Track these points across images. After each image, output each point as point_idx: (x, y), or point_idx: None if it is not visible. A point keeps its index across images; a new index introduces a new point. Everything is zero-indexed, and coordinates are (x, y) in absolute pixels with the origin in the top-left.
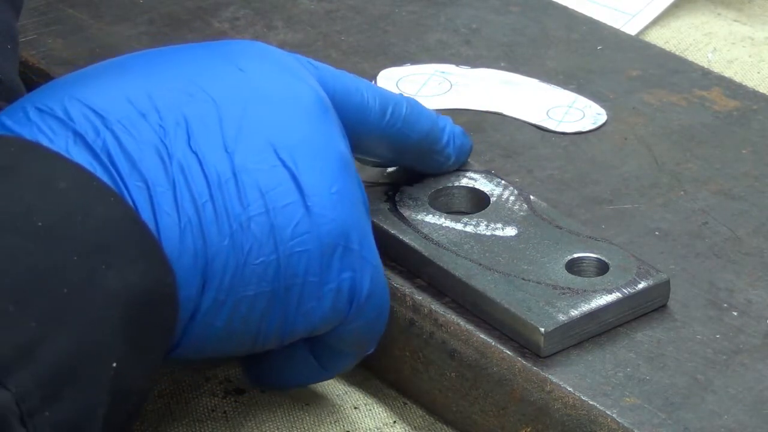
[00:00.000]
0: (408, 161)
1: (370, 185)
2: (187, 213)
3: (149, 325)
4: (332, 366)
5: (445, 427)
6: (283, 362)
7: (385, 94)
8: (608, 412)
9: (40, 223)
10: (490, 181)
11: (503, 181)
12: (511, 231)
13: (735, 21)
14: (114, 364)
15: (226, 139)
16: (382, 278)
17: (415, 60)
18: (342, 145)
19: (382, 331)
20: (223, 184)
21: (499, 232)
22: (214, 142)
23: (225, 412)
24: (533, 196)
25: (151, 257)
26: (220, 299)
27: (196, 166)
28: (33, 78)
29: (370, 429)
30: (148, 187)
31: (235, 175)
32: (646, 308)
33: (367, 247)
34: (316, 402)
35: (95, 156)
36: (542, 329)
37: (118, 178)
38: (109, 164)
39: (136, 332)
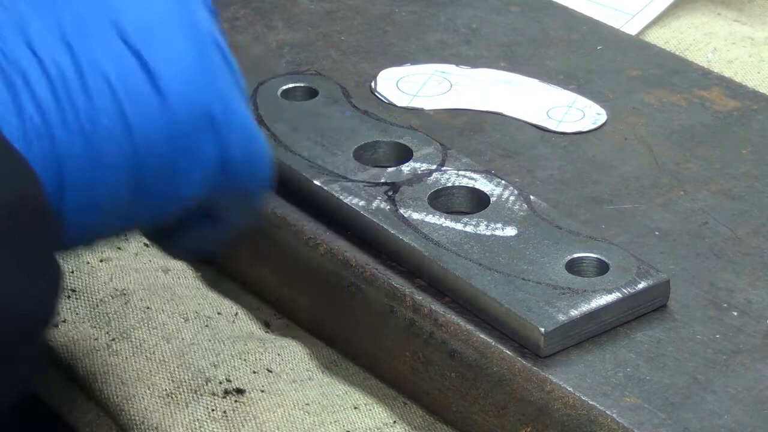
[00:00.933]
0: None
1: (370, 185)
2: (33, 120)
3: (25, 235)
4: (223, 222)
5: (445, 427)
6: (181, 231)
7: None
8: (608, 412)
9: None
10: (490, 181)
11: (503, 181)
12: (511, 231)
13: (735, 21)
14: None
15: (67, 30)
16: (256, 141)
17: (415, 60)
18: (195, 14)
19: (266, 187)
20: (68, 80)
21: (499, 232)
22: (54, 37)
23: (225, 412)
24: (533, 196)
25: (10, 165)
26: (82, 202)
27: (35, 66)
28: None
29: (370, 429)
30: None
31: (79, 69)
32: (646, 308)
33: (235, 116)
34: (316, 402)
35: None
36: (542, 329)
37: None
38: None
39: (11, 244)
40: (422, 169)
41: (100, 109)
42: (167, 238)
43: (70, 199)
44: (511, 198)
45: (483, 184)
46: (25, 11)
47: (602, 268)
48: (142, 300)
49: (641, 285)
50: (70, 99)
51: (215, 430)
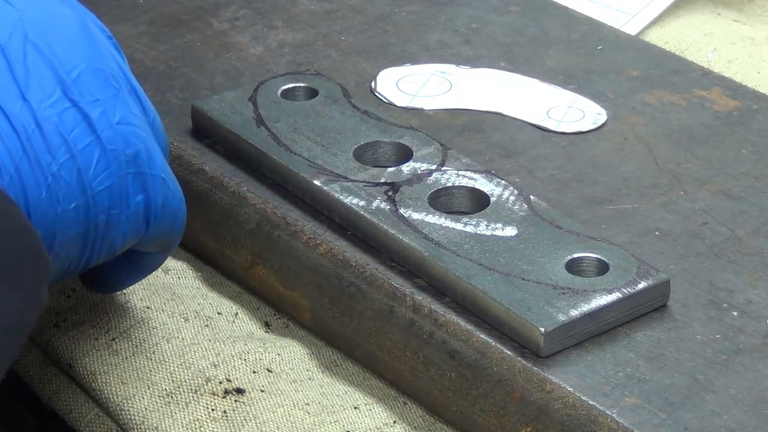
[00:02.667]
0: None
1: (370, 185)
2: (8, 170)
3: (15, 263)
4: (144, 266)
5: (445, 427)
6: (107, 270)
7: None
8: (608, 412)
9: None
10: (490, 181)
11: (503, 181)
12: (511, 231)
13: (735, 21)
14: None
15: (21, 86)
16: (173, 185)
17: (415, 60)
18: (112, 65)
19: (182, 228)
20: (31, 135)
21: (499, 232)
22: (12, 92)
23: (225, 412)
24: (533, 196)
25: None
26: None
27: (4, 121)
28: None
29: (370, 429)
30: None
31: (38, 124)
32: (646, 308)
33: (155, 164)
34: (316, 402)
35: None
36: (542, 329)
37: None
38: None
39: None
40: (422, 169)
41: (60, 162)
42: (93, 278)
43: None
44: (511, 198)
45: (483, 184)
46: None
47: (602, 268)
48: (142, 300)
49: (641, 285)
50: (35, 153)
51: (215, 430)
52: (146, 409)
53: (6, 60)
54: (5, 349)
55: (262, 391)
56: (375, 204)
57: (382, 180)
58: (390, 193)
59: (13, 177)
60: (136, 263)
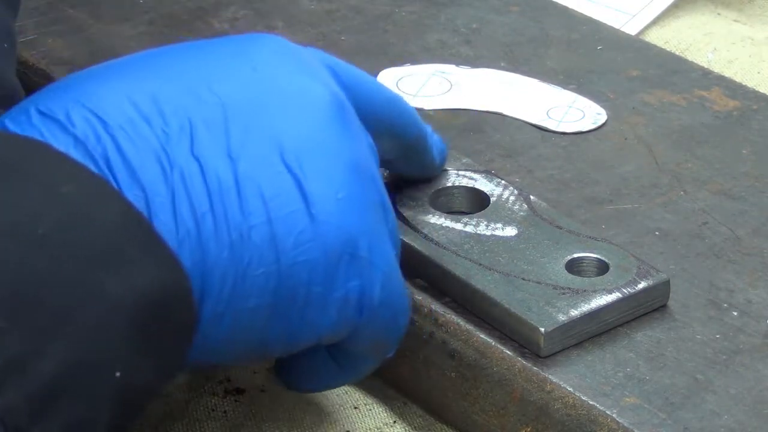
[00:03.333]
0: (397, 162)
1: None
2: (186, 224)
3: (161, 329)
4: (351, 369)
5: (445, 427)
6: (306, 365)
7: (390, 96)
8: (608, 412)
9: (40, 231)
10: (490, 181)
11: (503, 181)
12: (511, 231)
13: (735, 21)
14: (118, 374)
15: (232, 144)
16: (397, 283)
17: (415, 60)
18: (357, 148)
19: (400, 335)
20: (225, 192)
21: (499, 232)
22: (219, 148)
23: (225, 412)
24: (533, 196)
25: (158, 258)
26: (218, 311)
27: (197, 173)
28: (33, 78)
29: (370, 429)
30: (146, 197)
31: (237, 182)
32: (646, 308)
33: (378, 253)
34: (316, 402)
35: (95, 163)
36: (542, 329)
37: (117, 188)
38: (108, 172)
39: (147, 337)
40: None
41: (252, 224)
42: (289, 372)
43: (208, 309)
44: (511, 198)
45: (483, 184)
46: (194, 117)
47: (602, 268)
48: None
49: (641, 285)
50: (224, 210)
51: (215, 429)
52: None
53: (225, 118)
54: (133, 412)
55: (262, 390)
56: None
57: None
58: (390, 193)
59: (190, 232)
60: (341, 363)
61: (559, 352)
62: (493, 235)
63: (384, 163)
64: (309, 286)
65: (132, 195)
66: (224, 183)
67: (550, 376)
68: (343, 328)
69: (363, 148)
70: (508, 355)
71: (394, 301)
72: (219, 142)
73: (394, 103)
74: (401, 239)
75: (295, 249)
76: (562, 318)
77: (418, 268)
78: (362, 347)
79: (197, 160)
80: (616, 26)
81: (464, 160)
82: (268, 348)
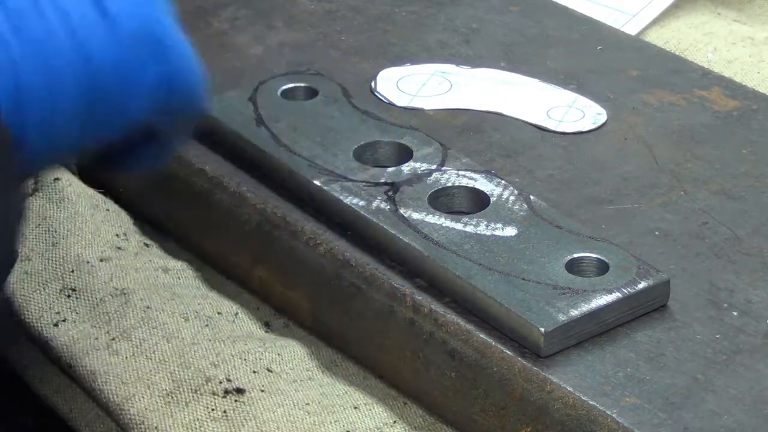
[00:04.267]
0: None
1: (370, 185)
2: None
3: None
4: (161, 146)
5: (445, 427)
6: (119, 149)
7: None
8: (608, 412)
9: None
10: (490, 181)
11: (503, 181)
12: (511, 231)
13: (735, 21)
14: None
15: None
16: (194, 61)
17: (415, 60)
18: None
19: (201, 103)
20: (24, 12)
21: (499, 232)
22: None
23: (225, 412)
24: (533, 196)
25: None
26: (41, 127)
27: None
28: None
29: (370, 429)
30: None
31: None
32: (646, 308)
33: (174, 36)
34: (316, 402)
35: None
36: (542, 329)
37: None
38: None
39: None
40: (422, 169)
41: (57, 38)
42: (110, 159)
43: (31, 126)
44: (511, 198)
45: (483, 184)
46: None
47: (602, 268)
48: (142, 300)
49: (641, 285)
50: (28, 30)
51: (215, 429)
52: (146, 409)
53: None
54: None
55: (262, 390)
56: (375, 204)
57: (382, 180)
58: (390, 193)
59: (1, 58)
60: (152, 142)
61: (559, 352)
62: (493, 235)
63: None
64: (118, 81)
65: None
66: (21, 2)
67: (550, 376)
68: (153, 112)
69: None
70: (508, 355)
71: (193, 77)
72: None
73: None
74: (401, 239)
75: (99, 51)
76: (562, 318)
77: (418, 268)
78: (170, 122)
79: None
80: (616, 26)
81: (464, 160)
82: (90, 142)
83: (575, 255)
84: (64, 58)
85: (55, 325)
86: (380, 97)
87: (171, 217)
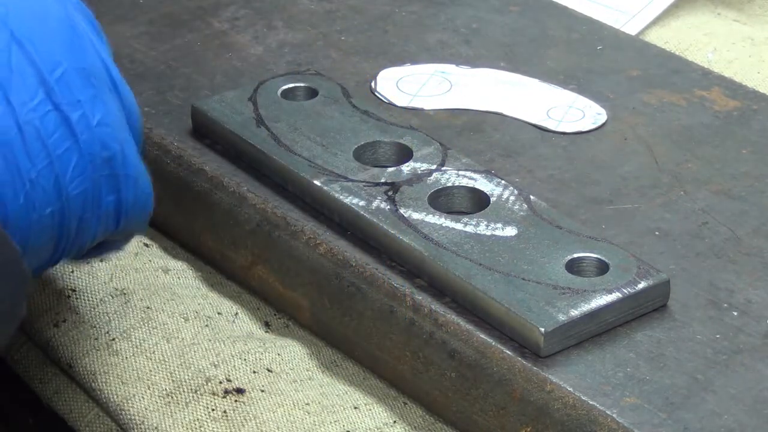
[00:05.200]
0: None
1: (370, 185)
2: None
3: None
4: (106, 251)
5: (445, 427)
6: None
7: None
8: (608, 412)
9: None
10: (490, 181)
11: (503, 181)
12: (511, 231)
13: (735, 21)
14: None
15: (4, 87)
16: (144, 181)
17: (415, 60)
18: (94, 59)
19: (147, 220)
20: (12, 141)
21: (499, 232)
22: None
23: (225, 412)
24: (533, 196)
25: None
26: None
27: None
28: None
29: (370, 429)
30: None
31: (20, 129)
32: (646, 308)
33: (129, 163)
34: (316, 402)
35: None
36: (542, 329)
37: None
38: None
39: None
40: (422, 169)
41: (39, 169)
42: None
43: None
44: (511, 198)
45: (483, 184)
46: None
47: (602, 268)
48: (142, 300)
49: (641, 285)
50: (15, 161)
51: (215, 429)
52: (146, 409)
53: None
54: None
55: (262, 391)
56: (375, 204)
57: (382, 180)
58: (390, 193)
59: None
60: (98, 249)
61: (559, 352)
62: (493, 235)
63: None
64: (83, 213)
65: None
66: (9, 131)
67: (550, 376)
68: (103, 236)
69: (102, 58)
70: (508, 355)
71: (142, 200)
72: None
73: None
74: (401, 239)
75: (71, 183)
76: (562, 318)
77: (418, 268)
78: (121, 236)
79: None
80: (616, 26)
81: (464, 160)
82: (41, 269)
83: (575, 255)
84: (42, 189)
85: (55, 325)
86: (380, 97)
87: (171, 217)
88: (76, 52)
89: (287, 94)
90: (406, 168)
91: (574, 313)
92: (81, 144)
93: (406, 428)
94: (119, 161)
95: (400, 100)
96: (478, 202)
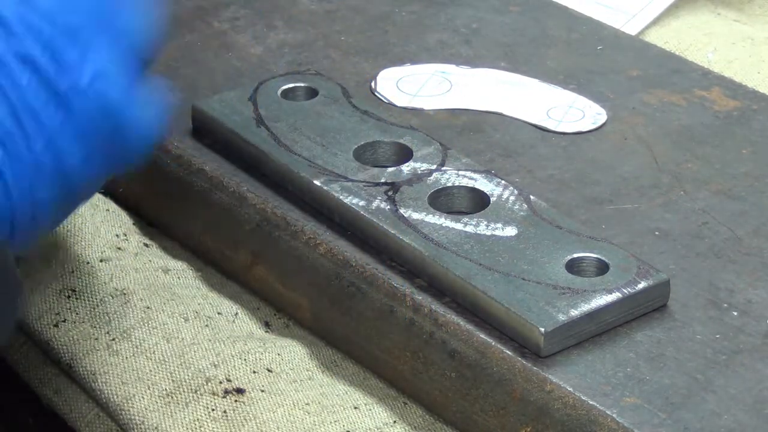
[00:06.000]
0: None
1: (370, 185)
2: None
3: None
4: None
5: (445, 427)
6: None
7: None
8: (608, 412)
9: None
10: (490, 181)
11: (503, 181)
12: (511, 231)
13: (735, 21)
14: None
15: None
16: (149, 111)
17: (415, 60)
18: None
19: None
20: (11, 129)
21: (499, 232)
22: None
23: (225, 412)
24: (533, 196)
25: None
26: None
27: (9, 114)
28: None
29: (370, 429)
30: None
31: (16, 115)
32: (646, 308)
33: (133, 101)
34: (316, 402)
35: None
36: (542, 329)
37: None
38: None
39: None
40: (422, 169)
41: (39, 154)
42: None
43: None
44: (511, 198)
45: (483, 184)
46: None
47: (602, 268)
48: (142, 300)
49: (641, 285)
50: (18, 154)
51: (215, 429)
52: (146, 409)
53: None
54: None
55: (262, 391)
56: (375, 204)
57: (382, 180)
58: (390, 193)
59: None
60: None
61: (559, 352)
62: (493, 235)
63: None
64: (88, 170)
65: None
66: (7, 120)
67: (550, 376)
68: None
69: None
70: (508, 355)
71: (149, 131)
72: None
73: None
74: (401, 239)
75: (72, 153)
76: (562, 318)
77: (418, 268)
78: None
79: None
80: (616, 26)
81: (464, 160)
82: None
83: (575, 255)
84: (45, 174)
85: (55, 325)
86: (380, 97)
87: (171, 217)
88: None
89: (287, 94)
90: (406, 168)
91: (574, 313)
92: (75, 112)
93: (406, 428)
94: (123, 106)
95: (400, 100)
96: (478, 202)
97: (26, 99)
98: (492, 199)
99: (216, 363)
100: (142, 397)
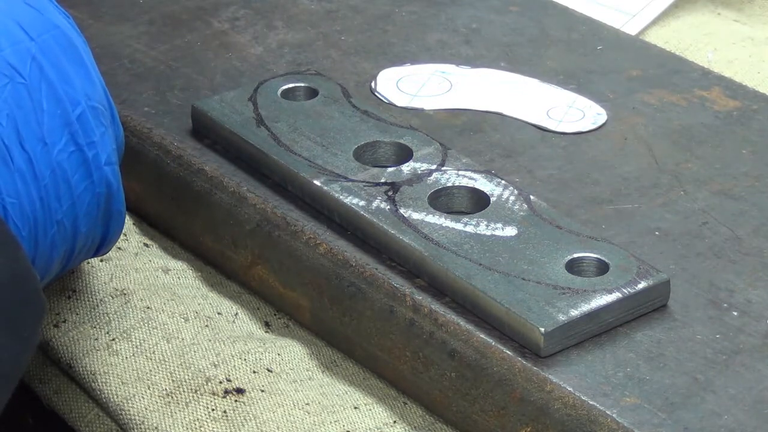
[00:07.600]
0: None
1: (370, 185)
2: (29, 222)
3: (17, 309)
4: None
5: (445, 427)
6: None
7: None
8: (608, 412)
9: None
10: (490, 181)
11: (503, 181)
12: (511, 231)
13: (735, 21)
14: None
15: (42, 128)
16: (123, 212)
17: (415, 60)
18: (101, 93)
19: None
20: (48, 184)
21: (499, 232)
22: (35, 134)
23: (225, 412)
24: (533, 196)
25: (10, 252)
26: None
27: (29, 168)
28: None
29: (370, 429)
30: (2, 199)
31: (53, 171)
32: (646, 308)
33: (120, 198)
34: (316, 402)
35: None
36: (542, 329)
37: None
38: None
39: (4, 317)
40: (422, 169)
41: (65, 210)
42: None
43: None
44: (511, 198)
45: (483, 184)
46: (11, 103)
47: (602, 268)
48: (142, 300)
49: (641, 285)
50: (48, 203)
51: (215, 429)
52: (146, 409)
53: (31, 99)
54: (1, 393)
55: (262, 391)
56: (375, 204)
57: (382, 180)
58: (390, 193)
59: (31, 229)
60: None
61: (559, 352)
62: (493, 235)
63: None
64: (82, 247)
65: None
66: (46, 174)
67: (550, 376)
68: (84, 259)
69: (100, 84)
70: (508, 355)
71: (120, 228)
72: (34, 128)
73: None
74: (401, 239)
75: (83, 222)
76: (562, 318)
77: (418, 268)
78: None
79: (27, 152)
80: (616, 26)
81: (464, 160)
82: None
83: (575, 255)
84: (64, 228)
85: (55, 325)
86: (380, 97)
87: (171, 217)
88: (89, 87)
89: (287, 94)
90: (406, 168)
91: (574, 313)
92: (94, 183)
93: (406, 428)
94: (115, 197)
95: (400, 100)
96: (478, 202)
97: (63, 156)
98: (492, 199)
99: (216, 363)
100: (142, 397)
